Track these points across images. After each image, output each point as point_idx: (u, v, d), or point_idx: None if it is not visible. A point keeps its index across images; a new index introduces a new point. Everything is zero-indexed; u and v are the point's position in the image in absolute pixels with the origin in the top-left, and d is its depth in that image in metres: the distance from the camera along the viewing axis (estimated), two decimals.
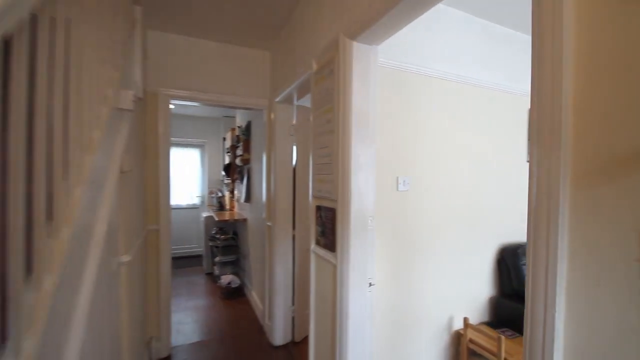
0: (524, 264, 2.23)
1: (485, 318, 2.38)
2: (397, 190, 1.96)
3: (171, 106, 4.67)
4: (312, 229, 1.86)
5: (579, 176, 0.64)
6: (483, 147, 2.31)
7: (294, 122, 2.75)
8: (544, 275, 0.67)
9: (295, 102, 2.68)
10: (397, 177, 1.96)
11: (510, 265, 2.30)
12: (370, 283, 1.56)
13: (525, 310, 0.71)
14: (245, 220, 4.19)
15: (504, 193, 2.42)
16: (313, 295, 1.84)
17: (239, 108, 3.08)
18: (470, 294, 2.30)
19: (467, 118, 2.23)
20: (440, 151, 2.12)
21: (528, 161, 2.60)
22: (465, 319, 2.10)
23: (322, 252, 1.73)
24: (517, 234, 2.50)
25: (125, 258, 1.59)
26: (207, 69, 2.70)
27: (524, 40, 2.43)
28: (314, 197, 1.84)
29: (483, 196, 2.32)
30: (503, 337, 1.83)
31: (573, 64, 0.65)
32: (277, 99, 2.65)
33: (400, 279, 2.00)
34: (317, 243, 1.81)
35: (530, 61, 0.72)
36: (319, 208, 1.78)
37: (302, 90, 2.31)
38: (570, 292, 0.65)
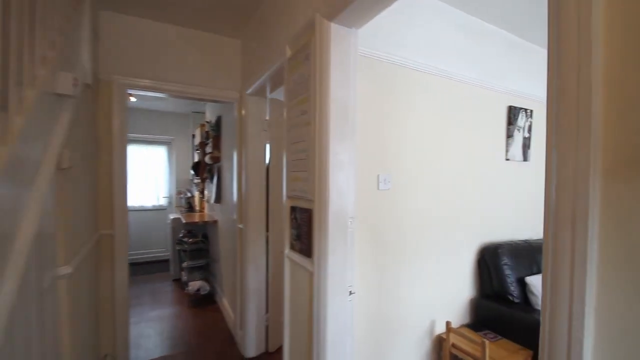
0: (505, 264, 2.19)
1: (466, 320, 2.32)
2: (378, 189, 1.84)
3: (132, 99, 4.32)
4: (286, 232, 1.69)
5: (613, 168, 0.52)
6: (464, 145, 2.24)
7: (267, 117, 2.56)
8: (569, 292, 0.55)
9: (269, 95, 2.49)
10: (378, 175, 1.83)
11: (490, 265, 2.25)
12: (350, 291, 1.42)
13: (540, 335, 0.59)
14: (215, 222, 3.93)
15: (483, 191, 2.37)
16: (287, 304, 1.67)
17: (207, 100, 2.84)
18: (452, 295, 2.23)
19: (449, 114, 2.14)
20: (422, 148, 2.02)
21: (507, 159, 2.58)
22: (448, 323, 2.01)
23: (297, 257, 1.57)
24: (498, 232, 2.46)
25: (65, 270, 1.35)
26: (171, 57, 2.45)
27: (505, 37, 2.40)
28: (288, 197, 1.67)
29: (464, 195, 2.25)
30: (487, 342, 1.75)
31: (603, 37, 0.53)
32: (249, 91, 2.45)
33: (381, 284, 1.88)
34: (292, 247, 1.64)
35: (547, 35, 0.60)
36: (293, 209, 1.62)
37: (276, 81, 2.13)
38: (601, 311, 0.53)
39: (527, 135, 2.60)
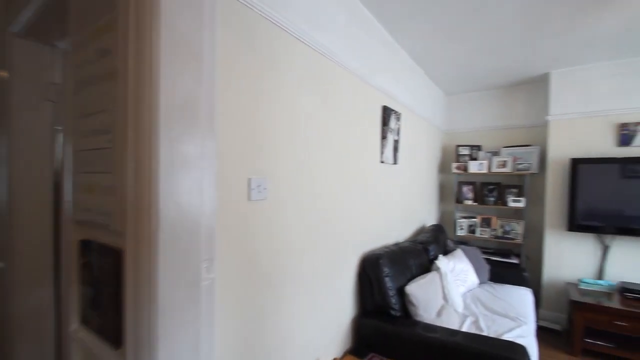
0: (387, 275, 1.99)
1: (349, 344, 2.01)
2: (250, 199, 1.24)
3: None
4: (73, 291, 0.86)
5: None
6: (346, 144, 1.92)
7: (56, 79, 1.52)
8: None
9: (60, 44, 1.48)
10: (250, 180, 1.24)
11: (372, 278, 2.02)
12: None
13: None
14: None
15: (364, 197, 2.14)
16: None
17: None
18: (336, 320, 1.87)
19: (335, 106, 1.77)
20: (307, 145, 1.56)
21: (382, 162, 2.46)
22: None
23: (95, 342, 0.79)
24: (374, 240, 2.29)
25: None
26: None
27: (380, 32, 2.24)
28: (76, 222, 0.86)
29: (346, 201, 1.94)
30: None
31: None
32: (16, 29, 1.38)
33: (252, 328, 1.29)
34: (85, 322, 0.84)
35: None
36: (85, 247, 0.82)
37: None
38: None
39: (396, 138, 2.57)
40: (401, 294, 2.04)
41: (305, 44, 1.51)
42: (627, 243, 2.65)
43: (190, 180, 0.71)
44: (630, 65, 2.64)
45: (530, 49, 2.53)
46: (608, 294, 2.55)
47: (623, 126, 2.68)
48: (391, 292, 1.97)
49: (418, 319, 1.97)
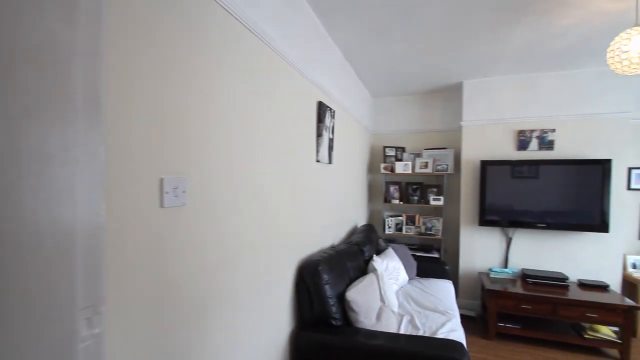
0: (327, 282, 1.85)
1: None
2: (162, 206, 0.94)
3: None
4: None
5: None
6: (283, 141, 1.72)
7: None
8: None
9: None
10: (162, 180, 0.94)
11: (311, 287, 1.85)
12: None
13: None
14: None
15: (299, 199, 1.96)
16: None
17: None
18: (273, 337, 1.64)
19: (269, 96, 1.55)
20: (241, 140, 1.31)
21: (318, 161, 2.32)
22: None
23: None
24: (311, 245, 2.13)
25: None
26: None
27: (314, 22, 2.10)
28: None
29: (282, 204, 1.73)
30: None
31: None
32: None
33: None
34: None
35: None
36: None
37: None
38: None
39: (331, 136, 2.47)
40: (341, 300, 1.93)
41: (236, 17, 1.26)
42: (523, 235, 3.05)
43: (50, 180, 0.43)
44: (526, 80, 3.05)
45: (449, 58, 2.70)
46: (513, 281, 2.88)
47: (521, 133, 3.08)
48: (331, 301, 1.84)
49: (359, 325, 1.88)
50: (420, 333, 2.00)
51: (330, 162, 2.46)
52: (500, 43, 2.40)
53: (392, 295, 2.27)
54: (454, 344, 1.62)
